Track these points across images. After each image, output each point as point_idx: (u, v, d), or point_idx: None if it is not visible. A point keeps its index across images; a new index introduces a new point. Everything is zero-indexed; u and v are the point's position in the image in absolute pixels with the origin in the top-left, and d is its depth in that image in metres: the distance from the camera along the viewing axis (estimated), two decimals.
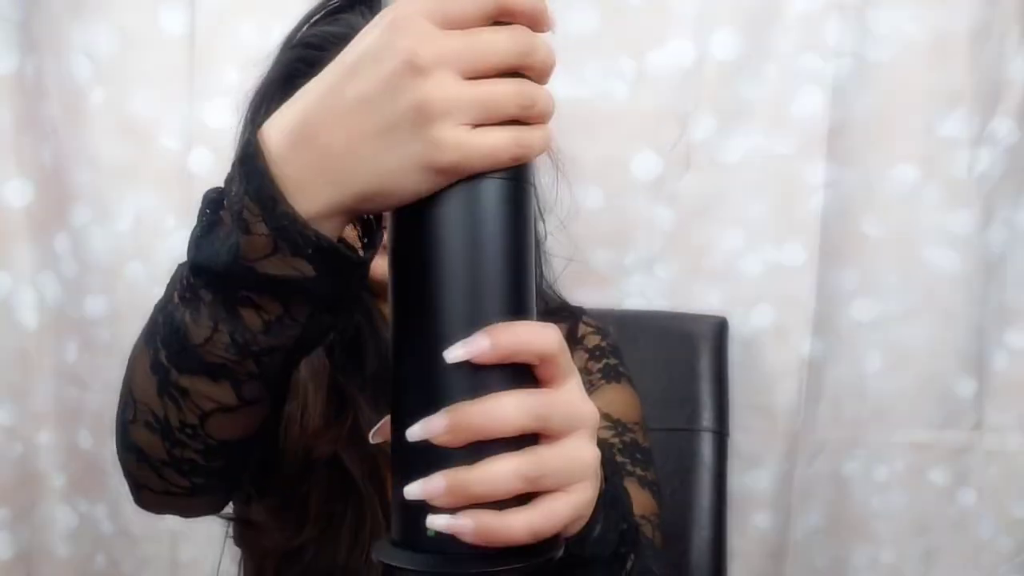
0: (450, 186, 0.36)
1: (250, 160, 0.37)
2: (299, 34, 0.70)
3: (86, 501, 1.25)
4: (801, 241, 1.12)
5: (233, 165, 0.38)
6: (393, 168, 0.35)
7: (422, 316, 0.36)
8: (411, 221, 0.37)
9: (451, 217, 0.36)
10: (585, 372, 0.73)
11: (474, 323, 0.35)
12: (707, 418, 1.06)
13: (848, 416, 1.16)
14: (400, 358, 0.38)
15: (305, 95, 0.37)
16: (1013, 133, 1.08)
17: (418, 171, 0.35)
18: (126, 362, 1.35)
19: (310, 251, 0.37)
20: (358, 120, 0.35)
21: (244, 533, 0.71)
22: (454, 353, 0.35)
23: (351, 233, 0.41)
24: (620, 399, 0.72)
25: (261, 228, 0.37)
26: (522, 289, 0.37)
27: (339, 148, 0.35)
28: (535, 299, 0.39)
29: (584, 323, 0.78)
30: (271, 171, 0.36)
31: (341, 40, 0.67)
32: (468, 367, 0.35)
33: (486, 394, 0.35)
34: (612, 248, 1.15)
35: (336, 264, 0.38)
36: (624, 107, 1.12)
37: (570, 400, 0.37)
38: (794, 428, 1.15)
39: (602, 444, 0.66)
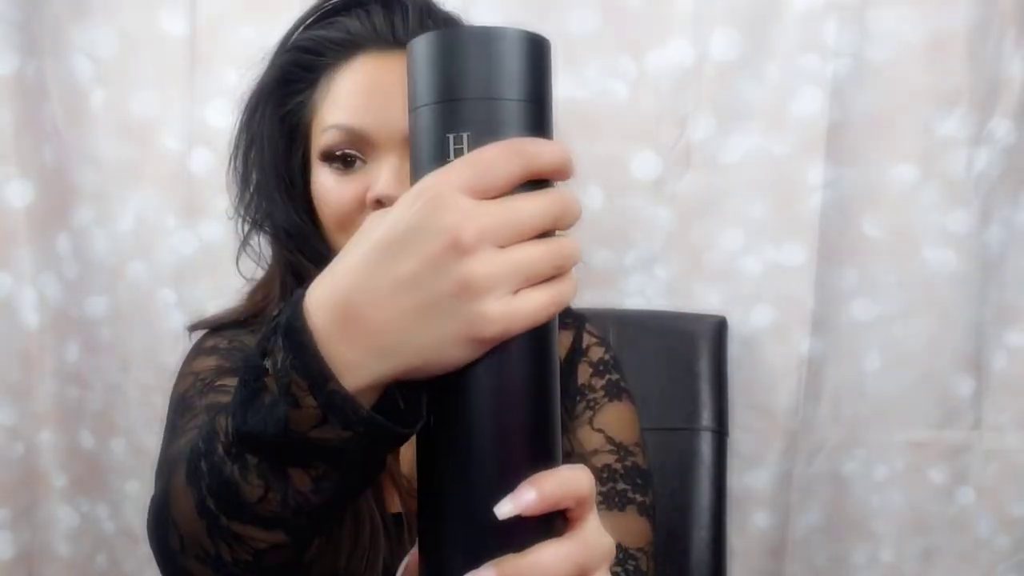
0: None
1: (296, 334, 0.37)
2: (293, 37, 0.70)
3: (87, 501, 1.25)
4: (800, 241, 1.12)
5: (275, 333, 0.39)
6: (438, 343, 0.35)
7: (456, 470, 0.37)
8: (436, 377, 0.37)
9: (481, 376, 0.36)
10: (589, 388, 0.73)
11: (511, 474, 0.36)
12: (707, 417, 1.06)
13: (847, 415, 1.16)
14: (434, 508, 0.38)
15: (346, 268, 0.37)
16: (1011, 133, 1.08)
17: (462, 344, 0.35)
18: (125, 362, 1.34)
19: (360, 428, 0.37)
20: (402, 299, 0.35)
21: None
22: (504, 509, 0.36)
23: None
24: (622, 418, 0.72)
25: (310, 402, 0.37)
26: (552, 433, 0.38)
27: (384, 326, 0.36)
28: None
29: (588, 332, 0.77)
30: (318, 347, 0.36)
31: (336, 44, 0.67)
32: (509, 517, 0.36)
33: (527, 543, 0.36)
34: (612, 248, 1.16)
35: (382, 436, 0.39)
36: (624, 107, 1.12)
37: (597, 540, 0.39)
38: (793, 427, 1.15)
39: (605, 470, 0.67)
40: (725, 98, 1.11)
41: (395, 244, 0.35)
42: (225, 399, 0.61)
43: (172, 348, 1.20)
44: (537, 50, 0.38)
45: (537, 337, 0.37)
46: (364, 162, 0.65)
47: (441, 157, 0.36)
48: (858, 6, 1.07)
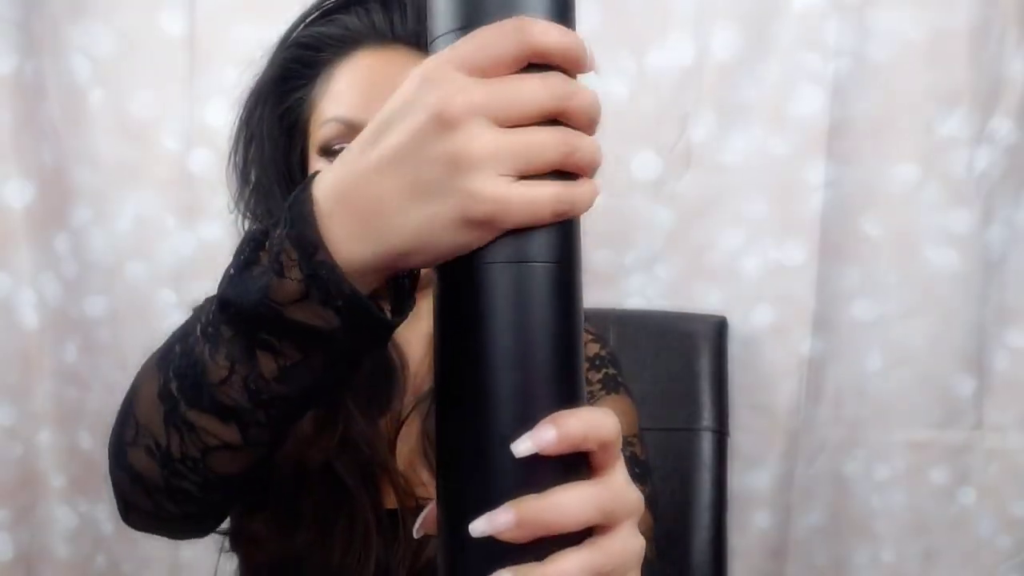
0: (496, 275, 0.35)
1: (299, 206, 0.37)
2: (294, 34, 0.70)
3: (86, 501, 1.25)
4: (801, 240, 1.12)
5: (283, 208, 0.39)
6: (429, 222, 0.34)
7: (475, 407, 0.35)
8: (458, 310, 0.36)
9: (499, 307, 0.35)
10: (586, 383, 0.73)
11: (532, 414, 0.35)
12: (707, 417, 1.06)
13: (848, 415, 1.16)
14: (452, 449, 0.37)
15: (348, 150, 0.36)
16: (1012, 132, 1.08)
17: (455, 225, 0.34)
18: (124, 362, 1.34)
19: (340, 303, 0.37)
20: (392, 175, 0.34)
21: (239, 542, 0.71)
22: (523, 446, 0.34)
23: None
24: (618, 410, 0.71)
25: (295, 273, 0.37)
26: (576, 373, 0.37)
27: (376, 203, 0.35)
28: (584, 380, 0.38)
29: (584, 331, 0.77)
30: (316, 220, 0.36)
31: (335, 40, 0.67)
32: (529, 457, 0.34)
33: (547, 485, 0.34)
34: (612, 248, 1.16)
35: (364, 321, 0.38)
36: (624, 107, 1.12)
37: (623, 488, 0.37)
38: (794, 427, 1.15)
39: None
40: (725, 97, 1.11)
41: (386, 122, 0.35)
42: None
43: None
44: None
45: (561, 269, 0.36)
46: None
47: None
48: (858, 5, 1.07)
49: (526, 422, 0.35)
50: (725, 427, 1.07)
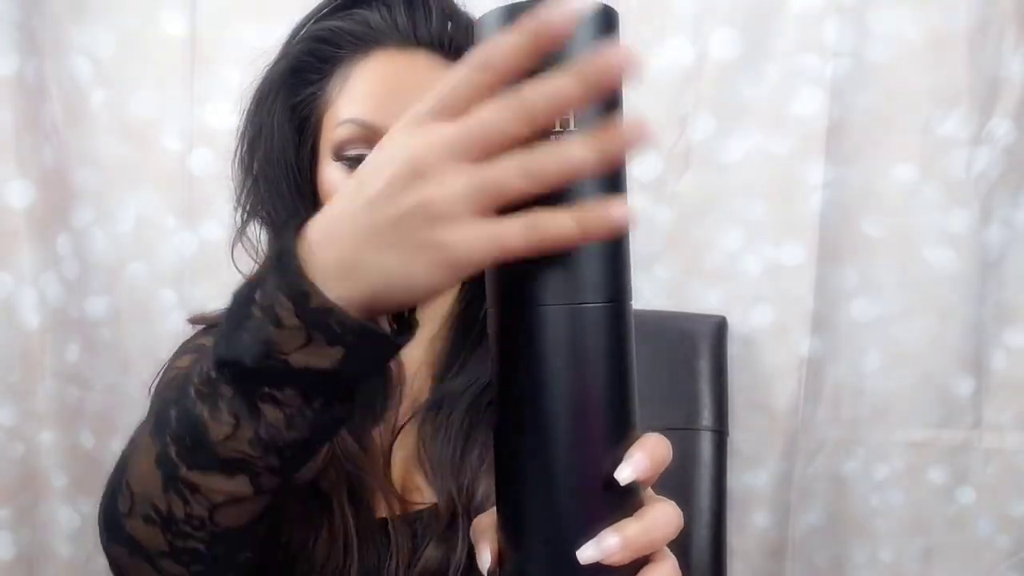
0: (550, 317, 0.36)
1: (286, 256, 0.37)
2: (308, 26, 0.67)
3: (88, 501, 1.25)
4: (800, 241, 1.12)
5: (267, 260, 0.39)
6: (400, 267, 0.35)
7: (538, 442, 0.37)
8: (516, 351, 0.38)
9: (554, 347, 0.37)
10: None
11: (590, 443, 0.37)
12: (707, 417, 1.06)
13: (847, 415, 1.16)
14: (536, 484, 0.38)
15: (341, 195, 0.37)
16: (1011, 133, 1.08)
17: (428, 271, 0.35)
18: (126, 362, 1.33)
19: (349, 338, 0.37)
20: (365, 222, 0.35)
21: None
22: (625, 473, 0.37)
23: None
24: None
25: (293, 321, 0.37)
26: (630, 405, 0.40)
27: (353, 248, 0.36)
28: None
29: None
30: (302, 266, 0.37)
31: (355, 37, 0.64)
32: (617, 487, 0.37)
33: (615, 511, 0.37)
34: None
35: (369, 350, 0.38)
36: (623, 108, 1.12)
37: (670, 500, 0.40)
38: (793, 427, 1.15)
39: None
40: (725, 98, 1.11)
41: (368, 171, 0.36)
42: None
43: (172, 348, 1.20)
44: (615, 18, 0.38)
45: (612, 309, 0.38)
46: None
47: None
48: (858, 6, 1.07)
49: (584, 454, 0.37)
50: (724, 427, 1.07)
